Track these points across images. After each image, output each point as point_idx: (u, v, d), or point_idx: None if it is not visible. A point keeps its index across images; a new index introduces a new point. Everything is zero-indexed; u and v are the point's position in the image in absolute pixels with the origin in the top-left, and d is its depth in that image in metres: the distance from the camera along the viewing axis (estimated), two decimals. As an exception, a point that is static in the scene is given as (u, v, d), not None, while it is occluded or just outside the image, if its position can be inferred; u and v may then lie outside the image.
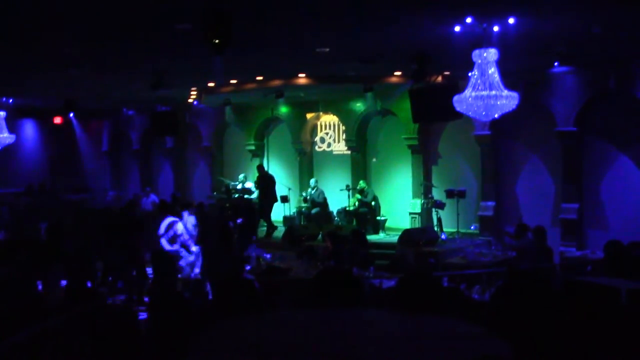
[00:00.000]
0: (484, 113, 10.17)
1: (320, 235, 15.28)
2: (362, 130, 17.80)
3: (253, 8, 8.45)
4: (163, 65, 12.48)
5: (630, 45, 11.60)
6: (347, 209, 16.69)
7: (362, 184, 16.71)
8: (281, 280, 9.46)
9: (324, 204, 17.20)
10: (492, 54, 9.78)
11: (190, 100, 18.00)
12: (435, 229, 15.01)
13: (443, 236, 14.70)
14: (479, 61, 9.91)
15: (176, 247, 11.53)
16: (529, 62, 12.98)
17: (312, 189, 17.37)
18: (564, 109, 14.00)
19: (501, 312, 3.23)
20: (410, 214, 16.49)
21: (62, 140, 23.65)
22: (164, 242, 11.37)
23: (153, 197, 18.69)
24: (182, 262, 11.67)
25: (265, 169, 18.37)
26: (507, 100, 10.06)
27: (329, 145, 18.94)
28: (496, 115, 10.36)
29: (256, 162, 19.95)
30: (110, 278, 12.12)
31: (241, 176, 18.66)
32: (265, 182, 17.27)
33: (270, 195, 17.08)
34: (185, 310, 4.47)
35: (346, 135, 18.07)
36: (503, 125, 14.48)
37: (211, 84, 16.01)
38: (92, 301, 6.31)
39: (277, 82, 15.20)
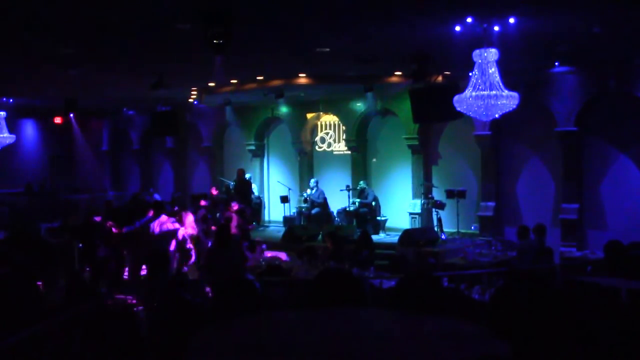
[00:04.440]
0: (484, 113, 10.18)
1: (320, 236, 15.30)
2: (362, 130, 17.81)
3: (253, 8, 8.45)
4: (163, 65, 12.48)
5: (630, 45, 11.60)
6: (347, 209, 16.69)
7: (362, 184, 16.72)
8: (281, 280, 9.46)
9: (324, 204, 17.21)
10: (492, 53, 9.79)
11: (190, 100, 18.00)
12: (436, 229, 15.01)
13: (443, 236, 14.70)
14: (480, 61, 9.92)
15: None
16: (529, 62, 12.99)
17: (312, 189, 17.37)
18: (564, 109, 14.00)
19: (501, 312, 3.23)
20: (411, 214, 16.49)
21: (62, 140, 23.66)
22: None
23: (157, 197, 18.69)
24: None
25: (246, 173, 18.37)
26: (508, 100, 10.06)
27: (329, 145, 18.95)
28: (496, 115, 10.37)
29: (256, 162, 19.99)
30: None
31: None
32: (243, 186, 17.34)
33: (247, 200, 17.08)
34: (185, 310, 4.47)
35: (346, 135, 18.07)
36: (503, 125, 14.48)
37: (211, 84, 16.01)
38: (92, 301, 6.31)
39: (277, 82, 15.21)
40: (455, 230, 15.07)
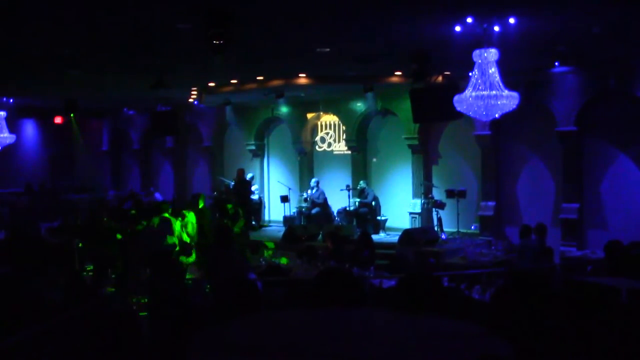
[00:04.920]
0: (484, 113, 10.17)
1: (320, 236, 15.29)
2: (362, 130, 17.81)
3: (253, 8, 8.45)
4: (163, 65, 12.48)
5: (630, 45, 11.60)
6: (347, 209, 16.69)
7: (362, 184, 16.72)
8: (281, 280, 9.45)
9: (324, 204, 17.21)
10: (492, 53, 9.78)
11: (190, 100, 18.00)
12: (436, 229, 15.00)
13: (443, 236, 14.69)
14: (480, 61, 9.91)
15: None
16: (529, 62, 12.98)
17: (312, 189, 17.38)
18: (564, 109, 14.00)
19: (501, 312, 3.23)
20: (411, 214, 16.48)
21: (62, 140, 23.65)
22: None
23: (157, 196, 18.68)
24: None
25: (246, 173, 18.34)
26: (508, 100, 10.06)
27: (329, 145, 18.95)
28: (496, 115, 10.36)
29: (257, 162, 20.00)
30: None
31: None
32: (243, 187, 17.33)
33: (245, 200, 17.05)
34: (185, 310, 4.47)
35: (346, 135, 18.07)
36: (503, 125, 14.48)
37: (211, 84, 16.01)
38: (92, 301, 6.31)
39: (277, 82, 15.20)
40: (455, 230, 15.07)
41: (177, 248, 11.54)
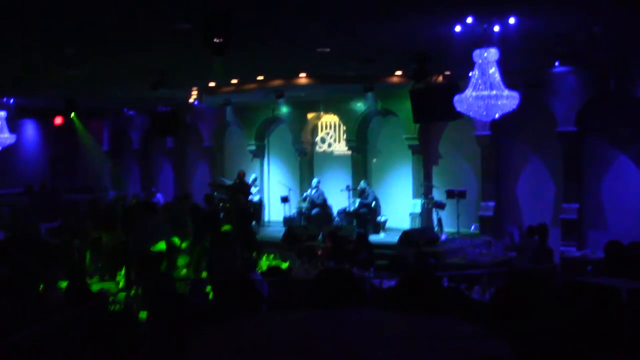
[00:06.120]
0: (484, 113, 10.17)
1: (320, 236, 15.29)
2: (362, 130, 17.80)
3: (253, 8, 8.45)
4: (163, 65, 12.47)
5: (630, 45, 11.60)
6: (347, 209, 16.68)
7: (362, 184, 16.71)
8: (281, 280, 9.46)
9: (323, 205, 17.20)
10: (492, 53, 9.78)
11: (190, 100, 17.99)
12: (436, 229, 15.00)
13: (443, 236, 14.68)
14: (480, 61, 9.91)
15: None
16: (529, 62, 12.98)
17: (314, 188, 17.38)
18: (565, 109, 14.00)
19: (501, 312, 3.23)
20: (411, 214, 16.47)
21: (62, 140, 23.65)
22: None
23: (159, 197, 18.68)
24: None
25: (245, 174, 18.32)
26: (508, 100, 10.06)
27: (329, 145, 18.94)
28: (497, 115, 10.36)
29: (257, 162, 19.99)
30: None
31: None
32: (242, 188, 17.34)
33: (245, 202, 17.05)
34: (185, 310, 4.47)
35: (347, 136, 18.07)
36: (503, 125, 14.47)
37: (212, 84, 16.01)
38: (92, 301, 6.31)
39: (277, 82, 15.20)
40: (455, 230, 15.06)
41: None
